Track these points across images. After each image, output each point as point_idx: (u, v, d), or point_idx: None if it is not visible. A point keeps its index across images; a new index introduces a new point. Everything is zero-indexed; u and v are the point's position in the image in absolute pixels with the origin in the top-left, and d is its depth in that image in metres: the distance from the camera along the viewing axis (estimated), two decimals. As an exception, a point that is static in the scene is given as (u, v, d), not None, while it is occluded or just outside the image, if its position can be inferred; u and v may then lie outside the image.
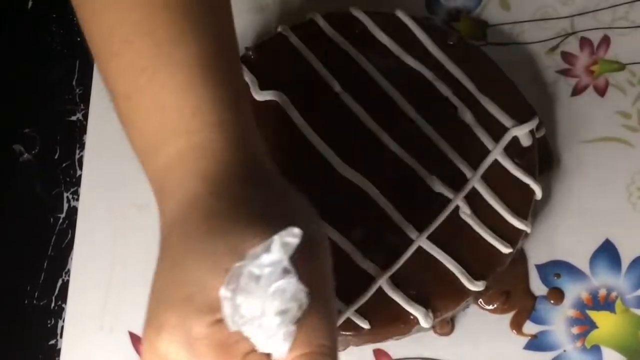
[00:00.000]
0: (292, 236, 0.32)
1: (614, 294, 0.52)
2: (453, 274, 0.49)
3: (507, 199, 0.51)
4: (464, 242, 0.50)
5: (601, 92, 0.58)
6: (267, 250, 0.32)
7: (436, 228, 0.50)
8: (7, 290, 0.56)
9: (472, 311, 0.53)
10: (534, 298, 0.53)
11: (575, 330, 0.52)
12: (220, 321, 0.33)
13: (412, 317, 0.48)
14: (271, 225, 0.33)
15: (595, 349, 0.51)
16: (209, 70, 0.38)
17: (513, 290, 0.53)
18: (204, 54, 0.38)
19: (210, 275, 0.33)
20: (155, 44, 0.37)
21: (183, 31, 0.38)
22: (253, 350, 0.33)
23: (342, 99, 0.53)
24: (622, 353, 0.51)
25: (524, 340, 0.52)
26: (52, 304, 0.55)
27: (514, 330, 0.52)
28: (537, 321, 0.52)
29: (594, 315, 0.52)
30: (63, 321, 0.55)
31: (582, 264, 0.53)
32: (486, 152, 0.52)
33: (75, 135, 0.60)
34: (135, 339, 0.54)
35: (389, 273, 0.49)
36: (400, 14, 0.56)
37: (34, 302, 0.56)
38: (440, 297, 0.49)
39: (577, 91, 0.58)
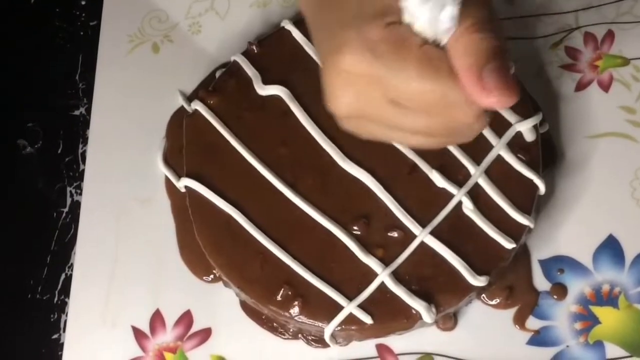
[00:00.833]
0: None
1: (617, 289, 0.52)
2: (456, 269, 0.49)
3: (510, 194, 0.51)
4: (467, 237, 0.50)
5: (605, 87, 0.57)
6: None
7: (439, 223, 0.50)
8: (10, 285, 0.56)
9: (475, 306, 0.53)
10: (537, 293, 0.53)
11: (578, 325, 0.52)
12: (393, 23, 0.36)
13: (414, 312, 0.48)
14: None
15: (598, 345, 0.51)
16: None
17: (516, 285, 0.53)
18: None
19: None
20: None
21: None
22: (427, 42, 0.36)
23: (345, 93, 0.53)
24: (625, 348, 0.51)
25: (527, 336, 0.52)
26: (55, 299, 0.56)
27: (516, 326, 0.52)
28: (540, 316, 0.52)
29: (597, 310, 0.52)
30: (66, 315, 0.55)
31: (586, 259, 0.53)
32: (489, 147, 0.52)
33: (78, 129, 0.60)
34: (138, 334, 0.54)
35: (392, 268, 0.49)
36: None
37: (37, 296, 0.56)
38: (443, 292, 0.49)
39: (581, 86, 0.58)
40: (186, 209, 0.53)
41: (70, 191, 0.58)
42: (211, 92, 0.55)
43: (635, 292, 0.52)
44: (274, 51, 0.55)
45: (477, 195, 0.51)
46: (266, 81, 0.54)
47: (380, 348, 0.52)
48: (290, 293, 0.49)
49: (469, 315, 0.53)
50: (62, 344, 0.54)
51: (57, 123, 0.60)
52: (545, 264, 0.53)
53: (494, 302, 0.53)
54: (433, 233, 0.50)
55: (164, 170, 0.57)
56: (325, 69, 0.39)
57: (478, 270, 0.49)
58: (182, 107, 0.58)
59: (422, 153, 0.51)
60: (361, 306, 0.49)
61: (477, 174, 0.51)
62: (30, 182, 0.59)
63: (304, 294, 0.49)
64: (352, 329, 0.49)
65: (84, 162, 0.59)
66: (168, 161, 0.57)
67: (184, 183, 0.53)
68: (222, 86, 0.55)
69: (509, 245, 0.50)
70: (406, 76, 0.36)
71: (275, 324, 0.53)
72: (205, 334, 0.53)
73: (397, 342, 0.52)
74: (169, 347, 0.53)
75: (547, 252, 0.54)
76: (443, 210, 0.50)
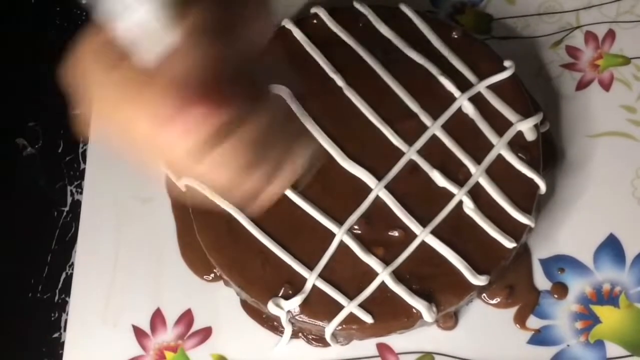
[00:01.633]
0: None
1: (617, 288, 0.52)
2: (457, 268, 0.49)
3: (511, 194, 0.51)
4: (467, 236, 0.50)
5: (606, 86, 0.57)
6: None
7: (440, 222, 0.50)
8: (11, 284, 0.56)
9: (476, 305, 0.53)
10: (537, 292, 0.53)
11: (578, 325, 0.52)
12: None
13: (415, 311, 0.48)
14: None
15: (599, 344, 0.51)
16: None
17: (517, 284, 0.53)
18: None
19: None
20: None
21: None
22: None
23: (345, 93, 0.53)
24: (626, 348, 0.51)
25: (528, 335, 0.52)
26: (56, 298, 0.56)
27: (517, 325, 0.52)
28: (541, 316, 0.52)
29: (598, 310, 0.52)
30: (67, 314, 0.55)
31: (586, 258, 0.53)
32: (490, 146, 0.52)
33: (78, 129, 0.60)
34: (139, 333, 0.54)
35: (393, 267, 0.49)
36: (404, 8, 0.56)
37: (38, 295, 0.56)
38: (443, 291, 0.49)
39: (581, 85, 0.58)
40: (187, 208, 0.53)
41: (71, 190, 0.58)
42: (212, 91, 0.54)
43: (636, 292, 0.52)
44: (275, 50, 0.55)
45: (477, 195, 0.51)
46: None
47: (381, 347, 0.52)
48: (291, 292, 0.49)
49: (470, 314, 0.53)
50: (63, 343, 0.54)
51: (58, 122, 0.60)
52: (546, 263, 0.53)
53: (494, 302, 0.53)
54: (434, 232, 0.50)
55: (165, 170, 0.57)
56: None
57: (479, 270, 0.49)
58: (182, 106, 0.58)
59: (422, 152, 0.51)
60: (362, 305, 0.49)
61: (477, 173, 0.51)
62: (31, 181, 0.59)
63: (304, 293, 0.49)
64: (352, 328, 0.49)
65: (84, 161, 0.59)
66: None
67: (184, 182, 0.53)
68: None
69: (509, 244, 0.50)
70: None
71: (275, 323, 0.53)
72: (205, 333, 0.53)
73: (397, 341, 0.52)
74: (169, 346, 0.53)
75: (547, 252, 0.54)
76: (444, 209, 0.50)
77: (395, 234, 0.50)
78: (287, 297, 0.49)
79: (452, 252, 0.49)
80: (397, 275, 0.49)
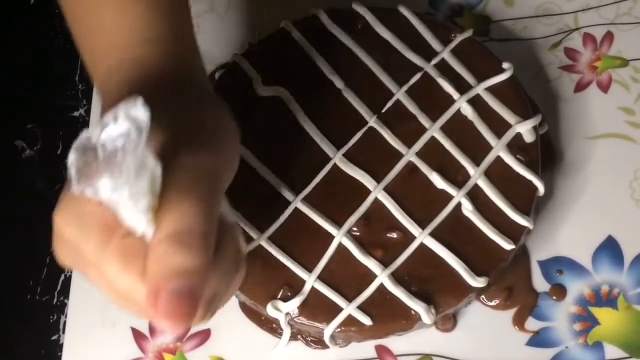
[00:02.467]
0: (135, 107, 0.31)
1: (616, 290, 0.52)
2: (455, 270, 0.49)
3: (509, 195, 0.51)
4: (466, 238, 0.50)
5: (604, 88, 0.57)
6: (115, 120, 0.31)
7: (438, 224, 0.50)
8: (9, 286, 0.56)
9: (474, 307, 0.53)
10: (536, 294, 0.53)
11: (577, 326, 0.52)
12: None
13: (414, 313, 0.49)
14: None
15: (598, 346, 0.51)
16: None
17: (515, 286, 0.53)
18: None
19: None
20: None
21: None
22: (131, 234, 0.33)
23: (344, 94, 0.53)
24: (624, 349, 0.51)
25: (526, 337, 0.52)
26: (55, 300, 0.56)
27: (516, 327, 0.52)
28: (540, 317, 0.52)
29: (596, 311, 0.52)
30: (65, 316, 0.55)
31: (585, 260, 0.53)
32: (489, 148, 0.52)
33: (78, 131, 0.59)
34: (137, 335, 0.54)
35: (391, 269, 0.49)
36: (402, 10, 0.56)
37: (37, 297, 0.56)
38: (442, 293, 0.49)
39: (580, 87, 0.58)
40: (185, 210, 0.53)
41: (70, 192, 0.58)
42: (210, 93, 0.55)
43: (635, 293, 0.52)
44: (274, 52, 0.56)
45: (476, 197, 0.51)
46: (266, 82, 0.54)
47: (380, 349, 0.52)
48: (289, 294, 0.49)
49: (469, 316, 0.53)
50: (62, 345, 0.54)
51: (56, 124, 0.60)
52: (545, 265, 0.53)
53: (493, 303, 0.53)
54: (432, 234, 0.50)
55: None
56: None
57: (477, 271, 0.49)
58: (181, 108, 0.58)
59: (421, 154, 0.51)
60: (360, 307, 0.49)
61: (476, 175, 0.51)
62: (29, 183, 0.59)
63: (303, 295, 0.49)
64: (351, 330, 0.49)
65: (83, 163, 0.59)
66: (167, 162, 0.57)
67: (183, 184, 0.53)
68: (222, 87, 0.55)
69: (508, 246, 0.50)
70: (108, 265, 0.34)
71: (274, 325, 0.53)
72: (204, 335, 0.53)
73: (396, 343, 0.52)
74: (168, 348, 0.53)
75: (546, 253, 0.54)
76: (442, 211, 0.50)
77: (394, 235, 0.50)
78: (285, 299, 0.49)
79: (450, 254, 0.49)
80: (396, 277, 0.49)
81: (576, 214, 0.54)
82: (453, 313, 0.52)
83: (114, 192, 0.31)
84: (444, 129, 0.52)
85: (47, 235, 0.57)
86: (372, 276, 0.49)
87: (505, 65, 0.54)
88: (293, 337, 0.52)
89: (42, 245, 0.57)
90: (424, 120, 0.52)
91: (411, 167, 0.51)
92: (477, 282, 0.49)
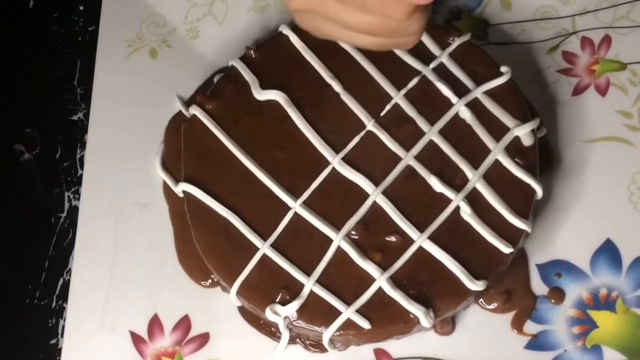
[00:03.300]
0: None
1: (614, 293, 0.52)
2: (454, 273, 0.49)
3: (508, 199, 0.51)
4: (464, 241, 0.50)
5: (602, 91, 0.58)
6: None
7: (437, 228, 0.50)
8: (8, 290, 0.56)
9: (473, 311, 0.53)
10: (534, 298, 0.53)
11: (576, 329, 0.52)
12: None
13: (412, 316, 0.49)
14: None
15: (596, 349, 0.51)
16: None
17: (514, 289, 0.53)
18: None
19: None
20: None
21: None
22: None
23: (342, 98, 0.53)
24: (623, 353, 0.51)
25: (525, 340, 0.52)
26: (53, 304, 0.56)
27: (514, 330, 0.52)
28: (538, 321, 0.52)
29: (595, 314, 0.52)
30: (64, 320, 0.55)
31: (583, 263, 0.53)
32: (487, 151, 0.52)
33: (77, 134, 0.60)
34: (136, 339, 0.54)
35: (390, 273, 0.49)
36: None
37: (35, 301, 0.56)
38: (441, 296, 0.49)
39: (578, 91, 0.58)
40: (184, 214, 0.53)
41: (69, 196, 0.58)
42: (209, 97, 0.55)
43: (633, 296, 0.52)
44: (272, 56, 0.56)
45: (474, 200, 0.51)
46: (264, 86, 0.54)
47: (378, 352, 0.52)
48: (288, 297, 0.49)
49: (467, 319, 0.53)
50: (60, 349, 0.54)
51: (55, 128, 0.60)
52: (543, 268, 0.53)
53: (491, 307, 0.53)
54: (431, 238, 0.50)
55: (162, 175, 0.57)
56: None
57: (476, 275, 0.49)
58: (180, 112, 0.58)
59: (419, 157, 0.52)
60: (359, 311, 0.49)
61: (474, 179, 0.51)
62: (28, 187, 0.59)
63: (302, 298, 0.49)
64: (350, 333, 0.49)
65: (82, 167, 0.59)
66: (166, 166, 0.57)
67: (181, 188, 0.53)
68: (220, 91, 0.55)
69: (506, 249, 0.50)
70: None
71: (273, 329, 0.53)
72: (203, 339, 0.53)
73: (395, 346, 0.52)
74: (167, 352, 0.53)
75: (544, 257, 0.54)
76: (441, 214, 0.50)
77: (393, 239, 0.50)
78: (284, 303, 0.49)
79: (449, 257, 0.49)
80: (395, 280, 0.49)
81: (574, 217, 0.54)
82: (452, 316, 0.52)
83: None
84: (443, 132, 0.52)
85: (45, 239, 0.57)
86: (370, 280, 0.49)
87: (503, 68, 0.54)
88: (292, 340, 0.52)
89: (40, 249, 0.57)
90: (422, 123, 0.52)
91: (410, 171, 0.51)
92: (476, 286, 0.49)
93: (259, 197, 0.51)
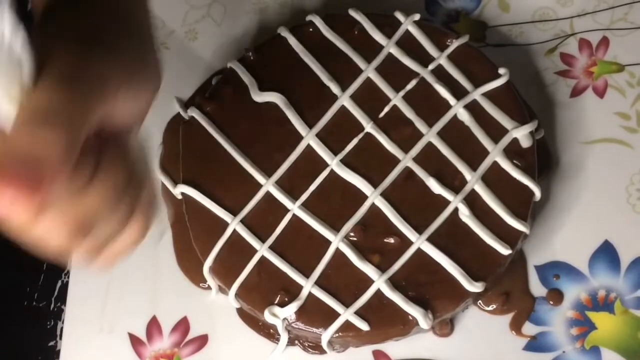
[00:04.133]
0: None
1: (613, 295, 0.52)
2: (452, 275, 0.49)
3: (506, 201, 0.51)
4: (463, 243, 0.50)
5: (600, 93, 0.58)
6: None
7: (435, 230, 0.50)
8: (6, 292, 0.56)
9: (472, 312, 0.53)
10: (533, 299, 0.53)
11: (574, 331, 0.52)
12: None
13: (411, 318, 0.49)
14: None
15: (595, 350, 0.51)
16: None
17: (512, 291, 0.53)
18: None
19: None
20: None
21: None
22: None
23: (340, 100, 0.53)
24: (621, 354, 0.51)
25: (523, 341, 0.52)
26: (52, 306, 0.55)
27: (513, 331, 0.52)
28: (537, 322, 0.52)
29: (593, 316, 0.52)
30: (62, 322, 0.55)
31: (582, 265, 0.53)
32: (485, 153, 0.52)
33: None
34: (135, 341, 0.54)
35: (388, 275, 0.49)
36: (399, 15, 0.56)
37: (34, 303, 0.56)
38: (439, 298, 0.49)
39: (576, 92, 0.58)
40: (183, 216, 0.53)
41: (67, 198, 0.58)
42: (208, 99, 0.55)
43: (631, 298, 0.52)
44: (270, 58, 0.56)
45: (473, 202, 0.51)
46: (262, 88, 0.54)
47: (377, 354, 0.52)
48: (286, 299, 0.49)
49: (466, 321, 0.53)
50: (59, 351, 0.54)
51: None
52: (541, 270, 0.53)
53: (490, 308, 0.53)
54: (429, 239, 0.50)
55: (161, 177, 0.57)
56: None
57: (474, 276, 0.49)
58: (178, 114, 0.58)
59: (418, 159, 0.52)
60: (358, 313, 0.49)
61: (473, 180, 0.51)
62: (27, 189, 0.59)
63: (300, 300, 0.49)
64: (349, 335, 0.49)
65: (80, 169, 0.59)
66: (164, 168, 0.57)
67: (180, 190, 0.53)
68: (219, 93, 0.55)
69: (505, 251, 0.50)
70: None
71: (272, 331, 0.53)
72: (201, 341, 0.53)
73: (393, 348, 0.52)
74: (165, 354, 0.53)
75: (543, 258, 0.54)
76: (439, 216, 0.50)
77: (391, 241, 0.50)
78: (282, 305, 0.49)
79: (447, 259, 0.49)
80: (393, 282, 0.49)
81: (573, 218, 0.54)
82: (450, 318, 0.52)
83: None
84: (441, 134, 0.52)
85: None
86: (369, 281, 0.49)
87: (501, 70, 0.54)
88: (290, 342, 0.52)
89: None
90: (420, 125, 0.52)
91: (408, 173, 0.51)
92: (474, 287, 0.49)
93: (257, 199, 0.51)
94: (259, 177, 0.52)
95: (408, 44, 0.55)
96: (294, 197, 0.51)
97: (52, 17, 0.35)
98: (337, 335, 0.49)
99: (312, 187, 0.51)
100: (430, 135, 0.52)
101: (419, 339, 0.52)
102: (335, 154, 0.52)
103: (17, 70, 0.32)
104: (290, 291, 0.49)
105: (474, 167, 0.51)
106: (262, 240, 0.50)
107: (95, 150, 0.34)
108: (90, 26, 0.36)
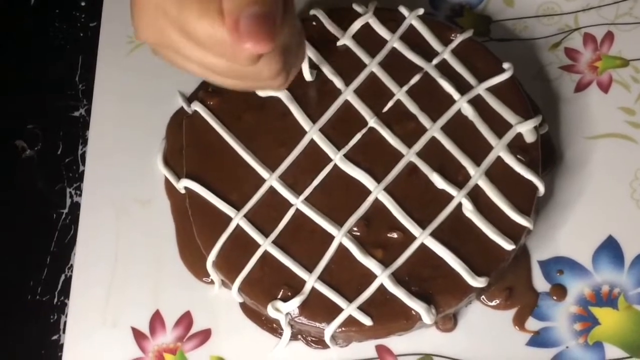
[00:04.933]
0: None
1: (616, 290, 0.52)
2: (456, 270, 0.49)
3: (510, 196, 0.51)
4: (466, 238, 0.50)
5: (605, 88, 0.57)
6: None
7: (439, 225, 0.50)
8: (10, 286, 0.56)
9: (475, 307, 0.53)
10: (536, 294, 0.53)
11: (577, 326, 0.52)
12: None
13: (414, 313, 0.49)
14: None
15: (598, 346, 0.51)
16: None
17: (516, 286, 0.53)
18: None
19: None
20: None
21: None
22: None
23: (344, 95, 0.53)
24: (625, 349, 0.51)
25: (527, 337, 0.52)
26: (55, 300, 0.56)
27: (516, 327, 0.52)
28: (540, 317, 0.52)
29: (597, 311, 0.52)
30: (66, 316, 0.55)
31: (585, 260, 0.53)
32: (489, 148, 0.52)
33: (78, 130, 0.60)
34: (138, 335, 0.54)
35: (392, 269, 0.49)
36: (403, 10, 0.56)
37: (37, 297, 0.56)
38: (442, 293, 0.49)
39: (580, 87, 0.58)
40: (186, 210, 0.53)
41: (70, 192, 0.58)
42: (211, 93, 0.55)
43: (635, 293, 0.52)
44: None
45: (477, 197, 0.51)
46: (266, 82, 0.54)
47: (380, 349, 0.52)
48: (289, 294, 0.49)
49: (469, 316, 0.53)
50: (62, 345, 0.54)
51: (57, 124, 0.60)
52: (545, 265, 0.53)
53: (493, 303, 0.53)
54: (433, 234, 0.50)
55: (164, 171, 0.57)
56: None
57: (478, 272, 0.49)
58: (181, 108, 0.58)
59: (422, 154, 0.51)
60: (361, 308, 0.49)
61: (477, 175, 0.51)
62: (30, 183, 0.59)
63: (303, 294, 0.49)
64: (352, 330, 0.49)
65: (83, 163, 0.59)
66: (168, 162, 0.57)
67: (183, 184, 0.53)
68: (222, 89, 0.55)
69: (508, 246, 0.50)
70: (187, 12, 0.38)
71: (275, 325, 0.53)
72: (205, 335, 0.53)
73: (396, 343, 0.52)
74: (168, 348, 0.53)
75: (546, 253, 0.54)
76: (443, 211, 0.50)
77: (395, 236, 0.50)
78: (286, 299, 0.49)
79: (451, 254, 0.49)
80: (396, 277, 0.49)
81: (576, 214, 0.54)
82: (453, 313, 0.52)
83: None
84: (445, 129, 0.52)
85: (47, 235, 0.57)
86: (372, 276, 0.49)
87: (505, 65, 0.54)
88: (293, 337, 0.52)
89: (42, 245, 0.57)
90: (424, 120, 0.52)
91: (412, 167, 0.51)
92: (478, 282, 0.49)
93: (261, 194, 0.51)
94: (262, 172, 0.52)
95: (412, 39, 0.55)
96: (297, 191, 0.51)
97: None
98: (340, 330, 0.49)
99: (316, 182, 0.51)
100: (434, 130, 0.52)
101: (422, 334, 0.52)
102: (339, 148, 0.52)
103: None
104: (293, 286, 0.49)
105: (477, 162, 0.51)
106: (266, 234, 0.50)
107: None
108: None
